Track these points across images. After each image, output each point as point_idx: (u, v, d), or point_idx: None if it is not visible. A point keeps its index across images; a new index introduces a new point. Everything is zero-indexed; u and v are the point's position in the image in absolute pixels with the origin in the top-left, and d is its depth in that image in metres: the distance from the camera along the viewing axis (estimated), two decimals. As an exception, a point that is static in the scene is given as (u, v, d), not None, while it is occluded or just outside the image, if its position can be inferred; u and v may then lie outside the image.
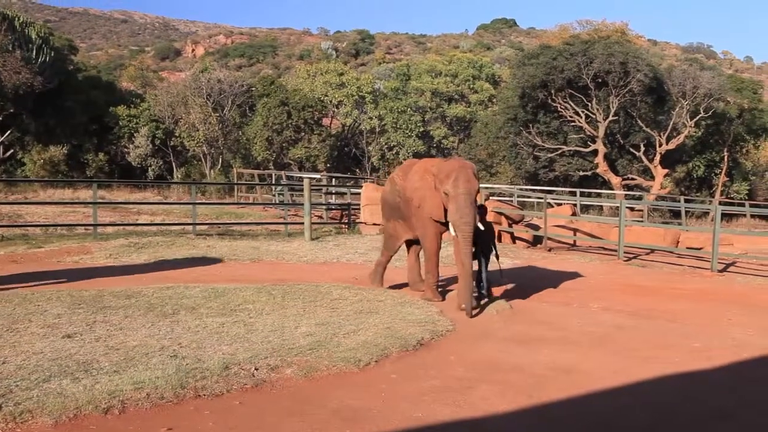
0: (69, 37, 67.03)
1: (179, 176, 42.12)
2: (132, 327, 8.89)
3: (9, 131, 37.05)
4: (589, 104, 37.50)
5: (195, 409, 6.24)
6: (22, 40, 36.93)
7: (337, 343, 8.39)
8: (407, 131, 48.40)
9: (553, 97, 38.01)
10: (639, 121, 38.04)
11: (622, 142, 39.43)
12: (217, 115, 43.51)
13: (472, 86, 53.89)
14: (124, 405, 6.25)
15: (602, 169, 37.64)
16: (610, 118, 37.28)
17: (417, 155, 47.72)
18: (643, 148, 38.29)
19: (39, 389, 6.41)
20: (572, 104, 37.68)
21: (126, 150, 42.36)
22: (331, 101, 48.56)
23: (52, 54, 39.05)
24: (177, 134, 43.46)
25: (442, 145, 50.96)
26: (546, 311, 11.09)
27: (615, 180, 37.82)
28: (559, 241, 21.16)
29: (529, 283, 14.10)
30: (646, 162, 38.40)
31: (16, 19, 37.57)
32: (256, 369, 7.34)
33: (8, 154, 37.38)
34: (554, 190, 35.55)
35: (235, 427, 6.02)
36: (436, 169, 10.96)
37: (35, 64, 36.61)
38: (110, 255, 15.49)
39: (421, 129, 49.38)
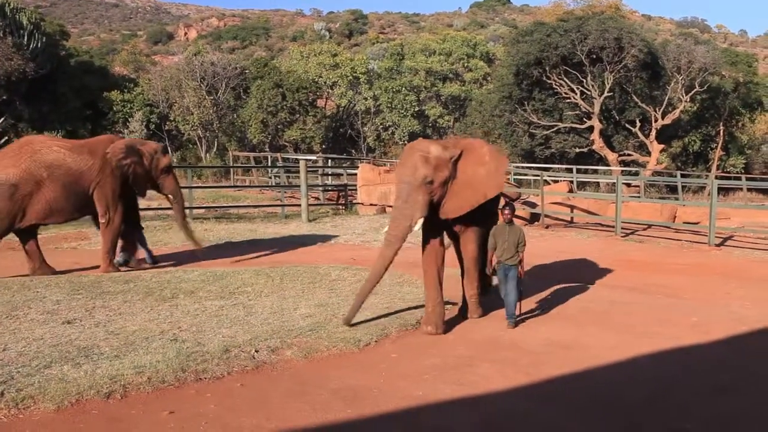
0: (60, 22, 66.61)
1: (175, 160, 41.98)
2: (131, 312, 8.91)
3: (3, 118, 36.87)
4: (584, 81, 37.40)
5: (196, 392, 6.26)
6: (13, 26, 36.71)
7: (336, 323, 8.42)
8: (402, 111, 48.28)
9: (548, 74, 37.90)
10: (634, 97, 37.97)
11: (617, 118, 39.37)
12: (212, 98, 43.35)
13: (466, 65, 53.72)
14: (125, 389, 6.28)
15: (598, 145, 37.60)
16: (605, 94, 37.19)
17: (412, 135, 47.63)
18: (638, 124, 38.25)
19: (40, 375, 6.43)
20: (567, 81, 37.58)
21: (121, 135, 42.21)
22: (325, 82, 48.39)
23: (44, 40, 38.83)
24: (171, 118, 43.34)
25: (437, 125, 50.85)
26: (543, 288, 11.11)
27: (611, 156, 37.80)
28: (557, 219, 21.17)
29: (526, 260, 14.10)
30: (642, 137, 38.38)
31: (7, 5, 37.31)
32: (256, 351, 7.36)
33: (2, 141, 37.20)
34: (551, 168, 35.55)
35: (237, 408, 6.04)
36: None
37: (27, 50, 36.41)
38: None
39: (416, 109, 49.24)
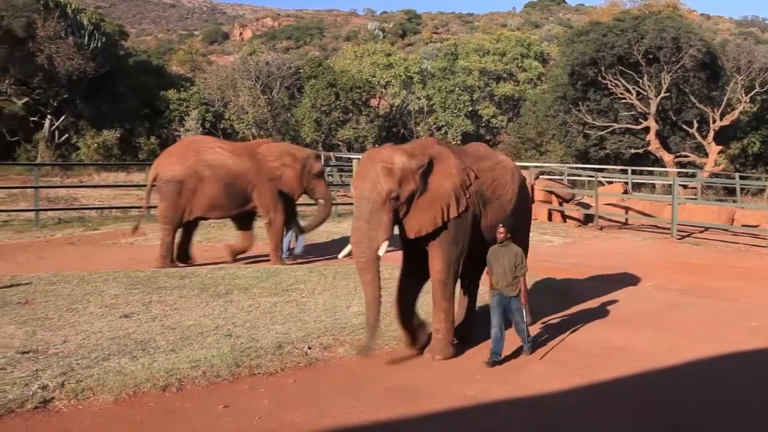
0: (119, 22, 67.88)
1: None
2: (187, 307, 9.04)
3: (63, 116, 37.67)
4: (641, 81, 36.83)
5: (250, 387, 6.34)
6: (74, 27, 37.45)
7: (388, 322, 8.42)
8: (455, 111, 48.12)
9: (603, 75, 37.40)
10: (692, 98, 37.27)
11: (674, 118, 38.70)
12: (266, 97, 43.72)
13: (520, 65, 53.38)
14: (181, 383, 6.38)
15: (654, 146, 37.01)
16: (662, 94, 36.58)
17: (466, 135, 47.51)
18: (696, 125, 37.54)
19: (99, 367, 6.56)
20: (623, 81, 37.05)
21: (177, 133, 42.78)
22: (378, 82, 48.47)
23: (104, 39, 39.57)
24: (226, 117, 43.81)
25: (490, 125, 50.62)
26: (597, 290, 11.00)
27: (667, 157, 37.18)
28: (611, 220, 20.93)
29: (580, 261, 13.99)
30: (699, 139, 37.66)
31: (69, 6, 38.09)
32: (309, 348, 7.42)
33: (63, 138, 38.02)
34: (605, 169, 35.10)
35: (290, 404, 6.10)
36: None
37: (87, 50, 37.10)
38: (164, 237, 15.69)
39: (470, 108, 49.03)
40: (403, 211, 7.27)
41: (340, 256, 7.52)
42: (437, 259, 7.50)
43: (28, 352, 6.94)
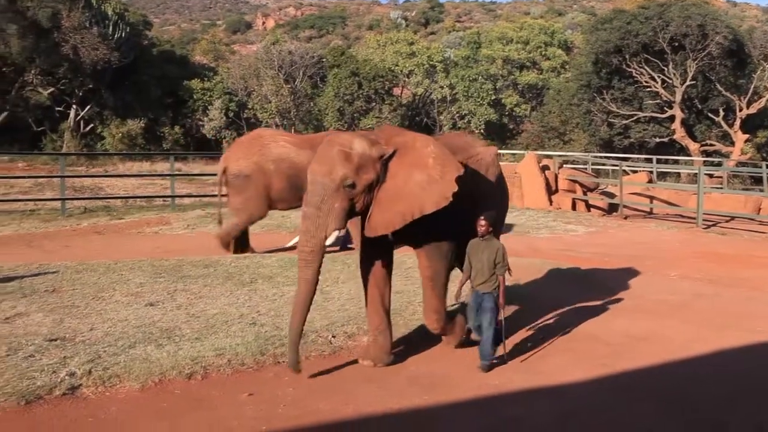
0: (143, 12, 68.09)
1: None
2: (211, 295, 9.09)
3: (88, 106, 37.97)
4: (666, 69, 36.52)
5: (275, 376, 6.37)
6: (98, 17, 37.69)
7: (412, 311, 8.45)
8: (479, 100, 47.93)
9: (628, 63, 37.12)
10: (718, 85, 36.91)
11: (700, 107, 38.36)
12: (289, 86, 43.80)
13: (544, 53, 53.05)
14: (206, 371, 6.43)
15: (679, 135, 36.71)
16: (688, 82, 36.26)
17: (489, 124, 47.39)
18: (722, 113, 37.17)
19: (125, 355, 6.62)
20: (648, 69, 36.75)
21: (201, 123, 43.05)
22: (401, 71, 48.38)
23: (128, 30, 39.81)
24: (250, 106, 43.94)
25: (514, 113, 50.39)
26: (621, 279, 10.94)
27: (693, 146, 36.86)
28: (635, 209, 20.80)
29: (604, 251, 13.93)
30: (725, 127, 37.30)
31: (93, -4, 38.39)
32: (333, 336, 7.45)
33: (88, 128, 38.33)
34: (630, 157, 34.85)
35: (314, 392, 6.13)
36: None
37: (112, 40, 37.33)
38: (188, 225, 15.83)
39: (493, 97, 48.84)
40: (360, 203, 6.57)
41: (288, 245, 7.08)
42: (423, 255, 7.02)
43: (56, 340, 7.02)
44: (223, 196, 12.77)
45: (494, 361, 6.94)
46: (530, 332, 8.13)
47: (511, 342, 7.50)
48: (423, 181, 6.58)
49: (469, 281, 6.98)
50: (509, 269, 6.98)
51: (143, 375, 6.20)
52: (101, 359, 6.48)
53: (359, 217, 6.75)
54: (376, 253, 7.01)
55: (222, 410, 5.72)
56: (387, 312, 7.10)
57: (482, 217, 6.80)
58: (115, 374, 6.19)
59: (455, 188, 6.53)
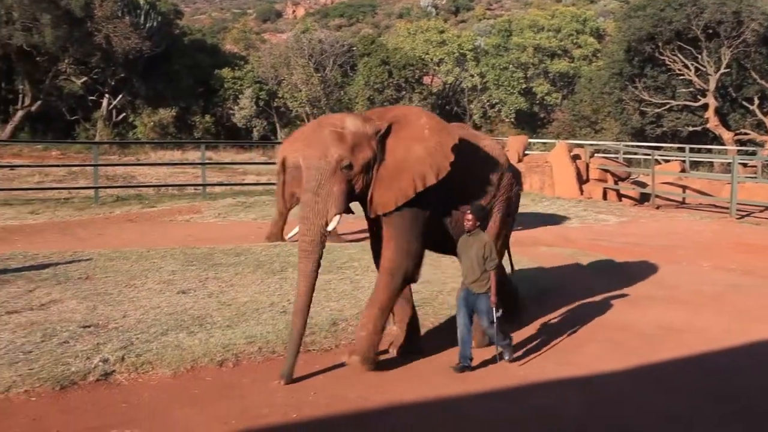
0: (174, 1, 68.44)
1: (283, 136, 42.69)
2: (242, 284, 9.15)
3: (120, 95, 38.31)
4: (699, 56, 36.00)
5: (305, 363, 6.39)
6: (130, 7, 37.94)
7: (441, 300, 8.45)
8: (509, 88, 47.64)
9: (661, 50, 36.63)
10: (753, 73, 36.32)
11: (734, 95, 37.79)
12: (319, 75, 43.82)
13: (575, 41, 52.51)
14: (237, 358, 6.50)
15: (713, 123, 36.22)
16: (722, 70, 35.72)
17: (519, 113, 47.10)
18: (757, 101, 36.58)
19: (158, 342, 6.69)
20: (681, 57, 36.25)
21: (231, 111, 43.22)
22: (431, 59, 48.20)
23: (159, 19, 40.05)
24: (280, 95, 44.02)
25: (545, 102, 50.02)
26: (654, 270, 10.86)
27: (727, 135, 36.35)
28: (667, 199, 20.61)
29: (636, 240, 13.82)
30: (760, 116, 36.73)
31: (125, -15, 38.66)
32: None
33: (120, 117, 38.68)
34: (662, 147, 34.47)
35: (345, 380, 6.17)
36: None
37: (143, 30, 37.59)
38: (219, 214, 15.93)
39: (524, 86, 48.52)
40: (360, 184, 6.39)
41: (287, 237, 6.84)
42: (389, 244, 6.59)
43: (89, 326, 7.11)
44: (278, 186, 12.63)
45: (505, 356, 6.68)
46: (561, 322, 8.10)
47: (544, 331, 7.48)
48: (422, 153, 6.47)
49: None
50: (512, 267, 6.87)
51: (175, 362, 6.27)
52: (134, 346, 6.56)
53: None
54: (380, 241, 6.78)
55: (253, 397, 5.77)
56: (408, 302, 6.99)
57: (469, 211, 6.52)
58: (147, 361, 6.26)
59: (452, 157, 6.45)
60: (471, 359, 6.51)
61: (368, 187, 6.44)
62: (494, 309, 6.46)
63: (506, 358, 6.69)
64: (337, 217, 6.27)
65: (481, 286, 6.47)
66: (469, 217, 6.48)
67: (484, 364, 6.67)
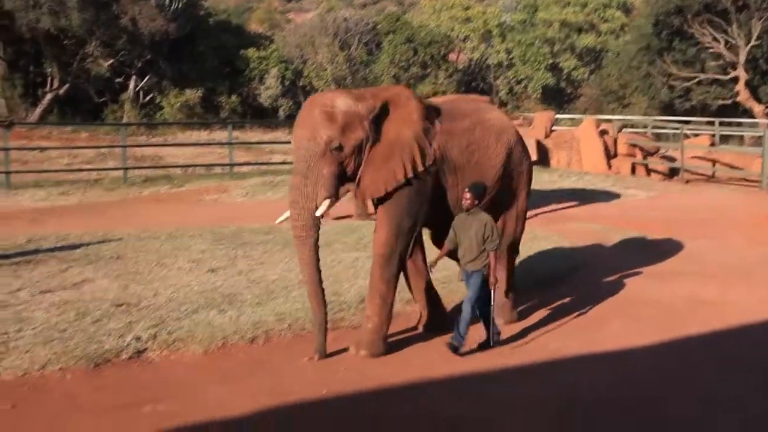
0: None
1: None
2: (271, 261, 9.22)
3: (147, 77, 38.43)
4: (729, 29, 35.47)
5: (334, 340, 6.44)
6: (156, -12, 38.05)
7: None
8: (535, 64, 47.21)
9: (690, 23, 36.11)
10: (785, 45, 35.80)
11: (765, 67, 37.21)
12: (344, 53, 43.69)
13: (602, 15, 51.90)
14: (267, 335, 6.56)
15: (743, 97, 35.73)
16: (752, 42, 35.15)
17: (546, 89, 46.70)
18: (789, 74, 36.11)
19: (189, 320, 6.78)
20: (710, 29, 35.73)
21: (257, 91, 43.22)
22: (457, 36, 47.89)
23: (185, 0, 40.08)
24: (305, 74, 43.97)
25: (571, 77, 49.59)
26: (684, 244, 10.77)
27: (757, 108, 35.86)
28: (697, 173, 20.39)
29: (665, 215, 13.72)
30: (792, 89, 36.25)
31: (150, -33, 38.69)
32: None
33: (148, 98, 38.81)
34: (691, 121, 34.08)
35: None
36: None
37: (169, 11, 37.65)
38: (246, 193, 16.00)
39: (550, 61, 48.10)
40: (351, 166, 6.19)
41: (277, 221, 6.63)
42: (382, 228, 6.37)
43: (121, 305, 7.22)
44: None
45: (492, 343, 6.43)
46: (590, 298, 8.07)
47: (571, 307, 7.46)
48: (411, 136, 6.28)
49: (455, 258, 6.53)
50: (517, 249, 6.89)
51: (207, 339, 6.34)
52: (165, 324, 6.64)
53: None
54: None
55: (283, 374, 5.83)
56: (423, 277, 6.93)
57: (467, 189, 6.29)
58: (179, 338, 6.34)
59: (434, 144, 6.34)
60: (464, 339, 6.28)
61: (359, 168, 6.25)
62: (493, 290, 6.32)
63: (498, 340, 6.49)
64: (327, 201, 6.06)
65: (477, 265, 6.29)
66: (468, 195, 6.25)
67: (513, 340, 6.68)
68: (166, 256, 9.42)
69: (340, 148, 6.02)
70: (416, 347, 6.47)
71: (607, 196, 16.24)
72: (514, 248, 7.36)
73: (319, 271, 6.21)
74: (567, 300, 7.94)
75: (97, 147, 22.42)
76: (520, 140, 7.37)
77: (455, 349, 6.26)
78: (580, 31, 50.65)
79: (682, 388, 5.71)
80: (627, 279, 8.86)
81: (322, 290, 6.20)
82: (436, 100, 7.56)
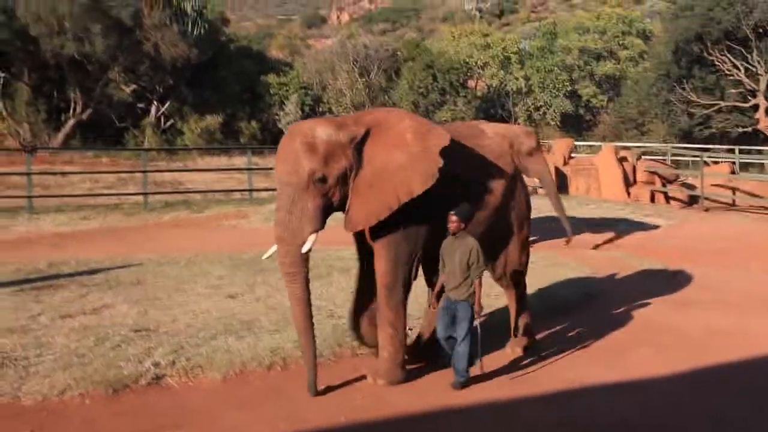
0: (221, 9, 69.18)
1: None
2: (289, 288, 9.21)
3: (168, 102, 38.79)
4: (749, 56, 35.43)
5: (353, 368, 6.44)
6: (178, 15, 38.40)
7: (488, 305, 8.40)
8: (554, 91, 47.28)
9: (710, 51, 36.09)
10: (805, 73, 35.67)
11: (786, 95, 37.13)
12: (364, 80, 43.95)
13: (621, 42, 51.95)
14: (285, 362, 6.57)
15: (764, 124, 35.58)
16: (773, 70, 35.15)
17: (564, 116, 46.72)
18: (809, 102, 35.94)
19: (207, 346, 6.80)
20: (730, 57, 35.69)
21: (277, 117, 43.49)
22: (476, 63, 48.05)
23: (206, 27, 40.46)
24: (325, 100, 44.23)
25: (590, 105, 49.58)
26: (704, 273, 10.71)
27: (778, 135, 35.75)
28: (717, 201, 20.27)
29: (685, 243, 13.65)
30: (812, 116, 36.06)
31: (173, -6, 39.16)
32: (410, 329, 7.44)
33: (168, 124, 39.15)
34: (711, 148, 33.96)
35: (392, 384, 6.18)
36: None
37: (191, 37, 38.04)
38: (266, 219, 16.03)
39: (569, 88, 48.14)
40: (336, 196, 5.97)
41: (264, 257, 6.41)
42: (381, 258, 6.20)
43: (140, 330, 7.25)
44: None
45: (467, 379, 6.18)
46: (610, 326, 8.03)
47: (591, 335, 7.43)
48: (405, 161, 5.97)
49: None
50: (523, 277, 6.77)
51: (225, 366, 6.35)
52: (184, 350, 6.67)
53: None
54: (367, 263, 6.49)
55: (301, 401, 5.82)
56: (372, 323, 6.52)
57: (452, 213, 6.00)
58: (197, 365, 6.36)
59: (440, 163, 5.94)
60: (468, 372, 6.16)
61: (347, 198, 6.02)
62: (475, 320, 6.07)
63: (458, 380, 6.15)
64: (314, 236, 5.87)
65: (462, 293, 6.05)
66: (453, 218, 5.99)
67: (531, 369, 6.65)
68: (185, 282, 9.47)
69: (323, 179, 5.82)
70: (435, 375, 6.44)
71: (627, 223, 16.18)
72: (519, 276, 7.21)
73: (310, 307, 6.00)
74: (586, 327, 7.90)
75: (118, 172, 22.64)
76: (515, 169, 7.22)
77: (464, 385, 6.13)
78: (599, 58, 50.70)
79: (701, 419, 5.65)
80: (646, 307, 8.81)
81: (312, 326, 6.02)
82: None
